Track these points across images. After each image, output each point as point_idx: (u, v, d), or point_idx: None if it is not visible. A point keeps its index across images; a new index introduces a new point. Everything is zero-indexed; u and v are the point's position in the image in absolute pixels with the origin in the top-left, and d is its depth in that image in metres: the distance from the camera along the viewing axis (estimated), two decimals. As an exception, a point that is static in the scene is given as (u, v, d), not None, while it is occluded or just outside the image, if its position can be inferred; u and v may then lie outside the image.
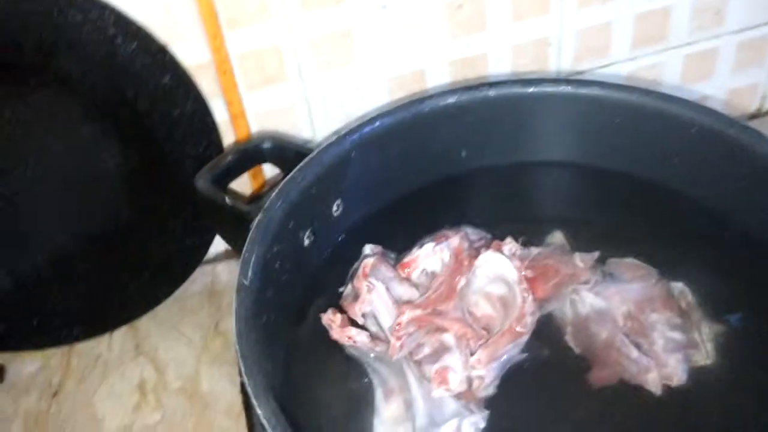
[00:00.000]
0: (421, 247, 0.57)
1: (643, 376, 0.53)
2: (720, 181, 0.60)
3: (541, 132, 0.62)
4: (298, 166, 0.53)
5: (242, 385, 0.66)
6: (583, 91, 0.58)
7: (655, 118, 0.57)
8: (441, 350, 0.52)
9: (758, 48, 0.85)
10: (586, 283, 0.58)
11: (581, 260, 0.60)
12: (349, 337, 0.53)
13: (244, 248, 0.49)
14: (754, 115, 0.91)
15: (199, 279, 0.78)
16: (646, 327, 0.56)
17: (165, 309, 0.76)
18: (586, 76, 0.79)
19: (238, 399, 0.68)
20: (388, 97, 0.75)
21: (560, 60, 0.79)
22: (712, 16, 0.81)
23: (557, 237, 0.62)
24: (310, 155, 0.53)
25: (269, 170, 0.75)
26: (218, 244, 0.78)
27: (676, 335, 0.55)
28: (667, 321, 0.56)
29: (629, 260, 0.61)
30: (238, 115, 0.70)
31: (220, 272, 0.80)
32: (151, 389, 0.70)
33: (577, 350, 0.56)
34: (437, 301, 0.54)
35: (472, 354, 0.52)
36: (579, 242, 0.62)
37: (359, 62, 0.72)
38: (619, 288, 0.58)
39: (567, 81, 0.59)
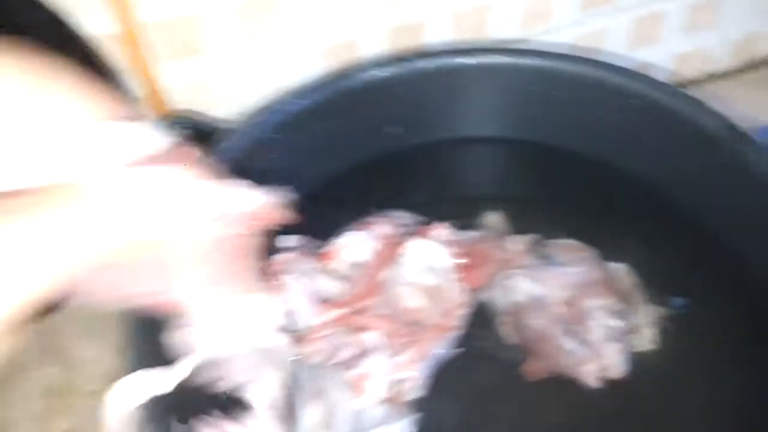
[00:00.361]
0: (340, 236, 0.53)
1: (579, 368, 0.50)
2: (664, 156, 0.57)
3: (477, 105, 0.57)
4: (213, 150, 0.48)
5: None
6: (521, 61, 0.54)
7: (594, 89, 0.53)
8: (362, 353, 0.48)
9: (707, 9, 0.82)
10: (521, 268, 0.55)
11: (516, 243, 0.57)
12: None
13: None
14: (705, 80, 0.89)
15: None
16: (584, 314, 0.53)
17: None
18: (530, 44, 0.75)
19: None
20: (321, 69, 0.71)
21: (503, 26, 0.75)
22: (660, -23, 0.77)
23: (494, 218, 0.59)
24: (227, 138, 0.49)
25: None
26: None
27: (616, 323, 0.52)
28: (606, 307, 0.53)
29: (569, 241, 0.58)
30: (153, 91, 0.65)
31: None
32: (61, 393, 0.65)
33: (510, 341, 0.53)
34: (360, 297, 0.50)
35: (398, 354, 0.48)
36: (517, 223, 0.59)
37: (287, 31, 0.67)
38: (557, 272, 0.55)
39: (504, 50, 0.55)
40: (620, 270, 0.57)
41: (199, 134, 0.57)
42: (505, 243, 0.56)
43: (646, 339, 0.54)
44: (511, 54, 0.54)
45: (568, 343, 0.51)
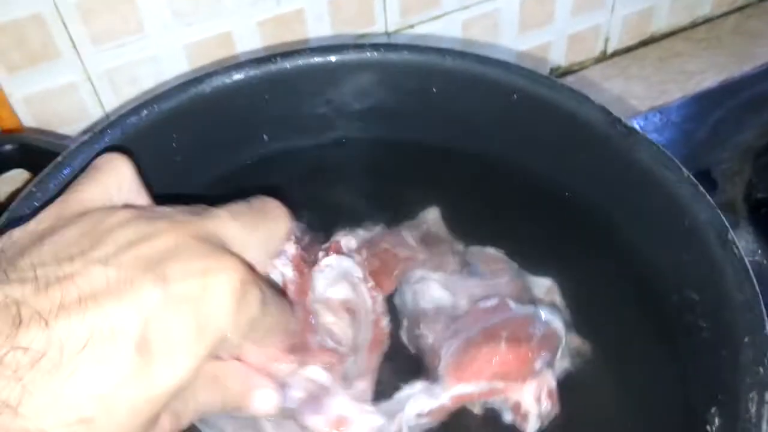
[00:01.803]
0: None
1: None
2: (550, 150, 0.52)
3: (347, 105, 0.52)
4: (38, 177, 0.42)
5: None
6: (392, 56, 0.49)
7: (472, 84, 0.49)
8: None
9: (600, -13, 0.80)
10: (437, 271, 0.49)
11: (412, 238, 0.52)
12: None
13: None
14: (598, 59, 0.87)
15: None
16: None
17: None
18: (411, 35, 0.71)
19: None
20: (188, 67, 0.65)
21: (387, 14, 0.70)
22: (547, -45, 0.74)
23: (432, 214, 0.53)
24: (55, 162, 0.42)
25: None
26: None
27: None
28: None
29: (490, 251, 0.51)
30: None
31: None
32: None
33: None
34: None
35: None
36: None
37: (147, 28, 0.61)
38: (471, 283, 0.49)
39: (373, 46, 0.50)
40: (545, 285, 0.50)
41: (33, 157, 0.50)
42: (402, 239, 0.51)
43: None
44: (381, 50, 0.49)
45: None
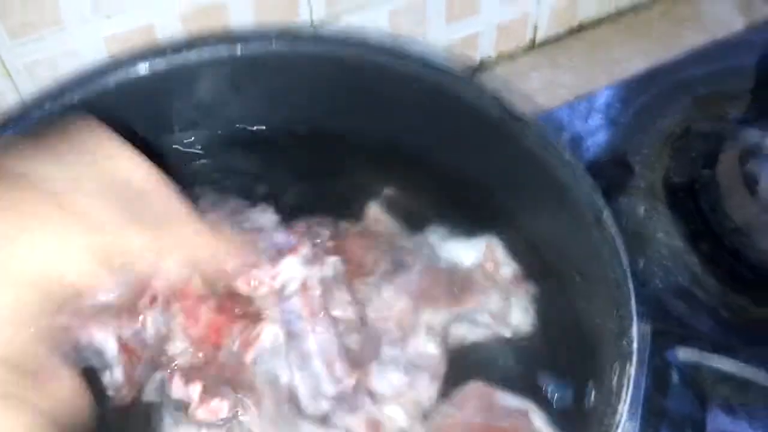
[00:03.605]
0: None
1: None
2: (452, 139, 0.54)
3: (251, 97, 0.53)
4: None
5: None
6: (296, 48, 0.50)
7: (375, 74, 0.51)
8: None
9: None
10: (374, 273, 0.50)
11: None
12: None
13: None
14: (529, 47, 0.88)
15: None
16: (409, 332, 0.48)
17: None
18: (341, 22, 0.72)
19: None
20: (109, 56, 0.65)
21: (312, 5, 0.71)
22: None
23: (373, 209, 0.55)
24: None
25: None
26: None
27: (430, 344, 0.48)
28: (427, 322, 0.49)
29: (415, 238, 0.53)
30: None
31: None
32: None
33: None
34: None
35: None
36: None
37: (65, 21, 0.61)
38: (395, 283, 0.50)
39: (276, 37, 0.51)
40: (484, 245, 0.52)
41: None
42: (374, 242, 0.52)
43: (513, 326, 0.50)
44: (284, 41, 0.50)
45: (377, 380, 0.46)
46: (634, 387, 0.35)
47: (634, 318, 0.37)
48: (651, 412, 0.41)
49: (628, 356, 0.36)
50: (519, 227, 0.50)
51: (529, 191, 0.48)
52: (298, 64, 0.51)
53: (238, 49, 0.50)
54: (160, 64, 0.50)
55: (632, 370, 0.35)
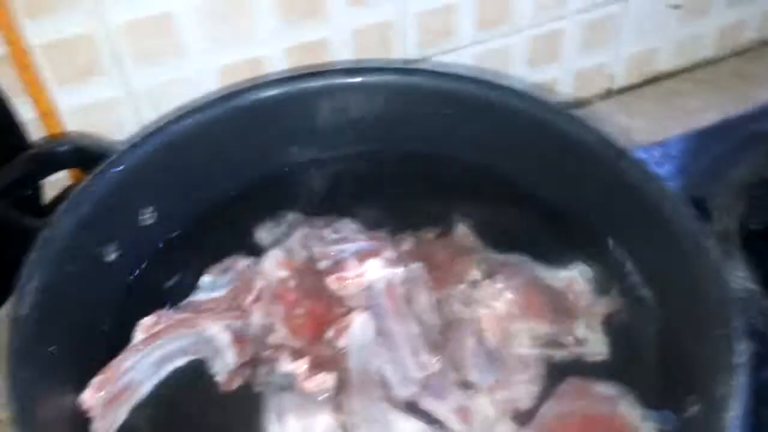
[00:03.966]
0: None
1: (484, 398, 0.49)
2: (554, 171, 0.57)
3: (367, 122, 0.58)
4: (92, 173, 0.47)
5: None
6: (406, 79, 0.55)
7: (482, 108, 0.55)
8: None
9: (604, 28, 0.85)
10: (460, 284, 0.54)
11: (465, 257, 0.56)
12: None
13: (23, 272, 0.43)
14: (605, 96, 0.92)
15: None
16: (508, 338, 0.51)
17: None
18: (427, 64, 0.76)
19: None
20: (222, 86, 0.70)
21: (405, 46, 0.76)
22: (554, -3, 0.80)
23: (461, 226, 0.59)
24: (109, 159, 0.47)
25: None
26: None
27: (534, 351, 0.51)
28: (530, 331, 0.52)
29: (510, 256, 0.56)
30: (48, 113, 0.63)
31: None
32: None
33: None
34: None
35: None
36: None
37: (186, 50, 0.66)
38: (489, 293, 0.53)
39: (387, 70, 0.56)
40: (568, 277, 0.55)
41: (86, 157, 0.56)
42: (460, 254, 0.56)
43: (595, 349, 0.52)
44: (395, 73, 0.55)
45: (473, 374, 0.49)
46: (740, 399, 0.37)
47: (740, 332, 0.39)
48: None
49: (735, 368, 0.38)
50: (613, 255, 0.53)
51: (627, 220, 0.51)
52: (410, 94, 0.55)
53: (357, 78, 0.54)
54: (286, 88, 0.54)
55: (740, 380, 0.37)
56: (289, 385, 0.48)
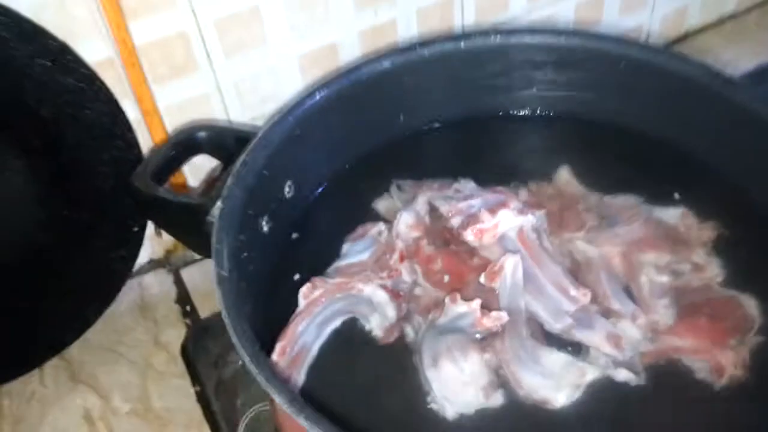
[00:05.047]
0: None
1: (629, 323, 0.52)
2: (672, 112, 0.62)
3: (479, 85, 0.62)
4: (247, 149, 0.50)
5: (199, 394, 0.64)
6: (526, 39, 0.60)
7: (599, 60, 0.59)
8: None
9: (639, -9, 0.89)
10: (582, 228, 0.58)
11: (580, 202, 0.60)
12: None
13: (213, 240, 0.46)
14: (687, 36, 0.96)
15: (126, 295, 0.73)
16: (636, 270, 0.55)
17: (96, 332, 0.70)
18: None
19: (195, 410, 0.65)
20: (300, 76, 0.73)
21: (464, 18, 0.79)
22: (597, -36, 0.83)
23: (565, 174, 0.62)
24: (257, 137, 0.51)
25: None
26: (143, 255, 0.74)
27: (663, 278, 0.55)
28: (654, 263, 0.56)
29: (623, 198, 0.60)
30: (150, 111, 0.66)
31: (149, 284, 0.75)
32: (99, 417, 0.65)
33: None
34: None
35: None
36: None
37: (269, 41, 0.69)
38: (610, 234, 0.57)
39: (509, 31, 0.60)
40: (677, 213, 0.59)
41: (220, 142, 0.59)
42: (570, 201, 0.59)
43: (709, 275, 0.56)
44: (516, 34, 0.60)
45: (615, 304, 0.53)
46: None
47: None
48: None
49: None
50: (722, 190, 0.57)
51: (741, 153, 0.55)
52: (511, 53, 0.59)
53: (461, 44, 0.58)
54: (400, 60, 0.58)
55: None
56: (447, 330, 0.51)
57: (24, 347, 0.68)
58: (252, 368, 0.40)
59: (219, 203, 0.48)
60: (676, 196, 0.59)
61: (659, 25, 0.95)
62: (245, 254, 0.48)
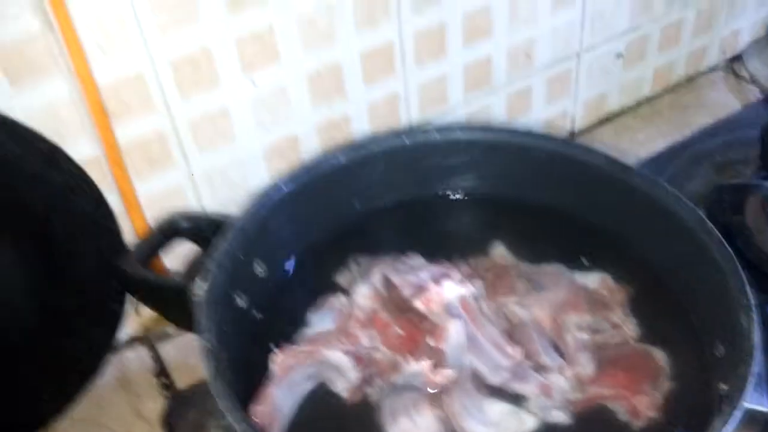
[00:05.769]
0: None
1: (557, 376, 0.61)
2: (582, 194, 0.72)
3: (420, 173, 0.72)
4: (224, 236, 0.58)
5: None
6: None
7: (532, 155, 0.71)
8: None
9: (563, 80, 1.01)
10: (513, 294, 0.66)
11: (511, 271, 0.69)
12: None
13: (198, 315, 0.53)
14: (569, 136, 1.07)
15: (107, 370, 0.78)
16: (562, 329, 0.64)
17: (79, 407, 0.75)
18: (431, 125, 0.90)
19: (180, 481, 0.70)
20: (265, 166, 0.82)
21: (409, 112, 0.89)
22: (523, 59, 0.95)
23: (499, 250, 0.71)
24: (233, 225, 0.59)
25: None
26: (122, 333, 0.80)
27: (585, 336, 0.64)
28: (577, 322, 0.65)
29: (547, 267, 0.70)
30: (132, 204, 0.73)
31: (127, 360, 0.81)
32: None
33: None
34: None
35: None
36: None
37: (237, 137, 0.78)
38: (539, 298, 0.66)
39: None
40: (599, 278, 0.68)
41: (197, 227, 0.66)
42: (504, 271, 0.68)
43: (625, 332, 0.64)
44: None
45: (545, 359, 0.62)
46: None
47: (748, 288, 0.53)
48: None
49: (750, 310, 0.51)
50: (629, 257, 0.67)
51: (641, 225, 0.65)
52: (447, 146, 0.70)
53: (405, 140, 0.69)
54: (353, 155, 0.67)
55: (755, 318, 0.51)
56: (403, 388, 0.58)
57: (9, 423, 0.73)
58: (239, 429, 0.46)
59: (201, 283, 0.55)
60: (592, 263, 0.69)
61: (582, 110, 1.06)
62: (224, 328, 0.55)
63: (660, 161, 1.03)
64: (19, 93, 0.64)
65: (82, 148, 0.69)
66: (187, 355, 0.80)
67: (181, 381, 0.78)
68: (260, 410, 0.56)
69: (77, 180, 0.68)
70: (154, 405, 0.76)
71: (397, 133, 0.70)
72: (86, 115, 0.68)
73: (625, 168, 0.67)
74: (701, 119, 1.09)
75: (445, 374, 0.58)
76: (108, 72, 0.67)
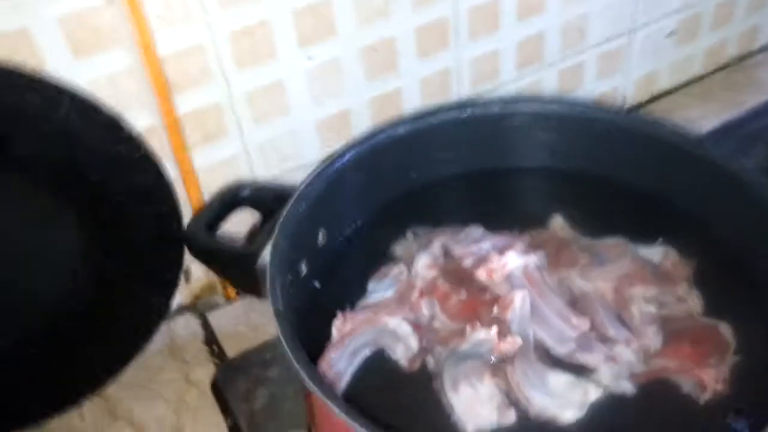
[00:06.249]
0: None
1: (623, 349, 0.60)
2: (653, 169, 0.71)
3: (516, 144, 0.73)
4: (288, 205, 0.58)
5: (231, 427, 0.70)
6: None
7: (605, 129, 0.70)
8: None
9: (615, 57, 0.99)
10: (576, 267, 0.66)
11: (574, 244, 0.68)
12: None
13: (268, 280, 0.54)
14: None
15: (156, 338, 0.79)
16: (627, 302, 0.63)
17: (129, 373, 0.76)
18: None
19: (228, 441, 0.71)
20: (318, 138, 0.81)
21: (460, 87, 0.89)
22: (576, 34, 0.94)
23: (558, 222, 0.71)
24: (296, 193, 0.59)
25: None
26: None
27: (651, 309, 0.63)
28: (642, 295, 0.64)
29: (609, 240, 0.69)
30: (188, 172, 0.74)
31: (177, 327, 0.82)
32: (141, 452, 0.71)
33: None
34: None
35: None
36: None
37: (292, 110, 0.78)
38: (601, 270, 0.65)
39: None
40: (662, 251, 0.67)
41: (260, 197, 0.67)
42: (564, 244, 0.68)
43: (690, 305, 0.63)
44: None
45: (611, 331, 0.61)
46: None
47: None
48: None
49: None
50: (696, 231, 0.66)
51: (707, 197, 0.64)
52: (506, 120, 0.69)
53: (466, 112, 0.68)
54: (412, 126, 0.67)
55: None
56: (464, 357, 0.58)
57: (65, 387, 0.74)
58: (310, 385, 0.47)
59: (269, 250, 0.56)
60: (658, 238, 0.68)
61: (633, 87, 1.05)
62: (290, 292, 0.55)
63: (713, 140, 1.01)
64: (82, 64, 0.65)
65: (142, 119, 0.69)
66: (237, 324, 0.81)
67: (231, 349, 0.78)
68: (321, 372, 0.56)
69: (137, 150, 0.69)
70: (204, 372, 0.77)
71: (459, 105, 0.69)
72: (147, 86, 0.68)
73: (699, 142, 0.66)
74: (753, 98, 1.07)
75: (513, 341, 0.57)
76: (169, 43, 0.67)
